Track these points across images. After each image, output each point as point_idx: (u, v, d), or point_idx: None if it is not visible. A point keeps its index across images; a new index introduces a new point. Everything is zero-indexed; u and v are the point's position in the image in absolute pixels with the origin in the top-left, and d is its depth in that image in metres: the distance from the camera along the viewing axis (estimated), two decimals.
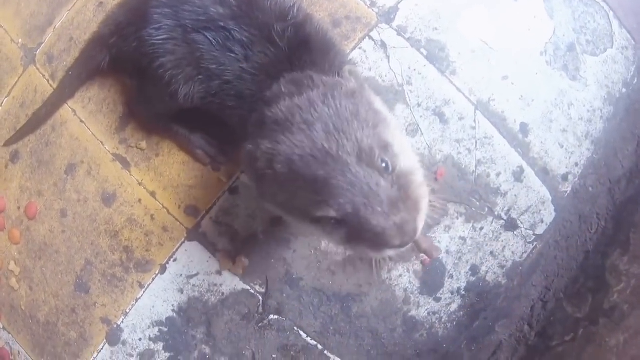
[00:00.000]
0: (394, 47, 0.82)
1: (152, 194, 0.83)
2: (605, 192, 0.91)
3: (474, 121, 0.84)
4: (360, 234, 0.47)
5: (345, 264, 0.80)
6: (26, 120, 0.94)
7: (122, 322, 0.87)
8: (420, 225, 0.48)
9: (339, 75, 0.57)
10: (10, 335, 0.97)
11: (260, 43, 0.63)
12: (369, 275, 0.79)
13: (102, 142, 0.86)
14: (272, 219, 0.78)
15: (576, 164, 0.90)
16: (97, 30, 0.85)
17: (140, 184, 0.83)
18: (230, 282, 0.79)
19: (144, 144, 0.83)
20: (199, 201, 0.79)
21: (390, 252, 0.48)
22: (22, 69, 0.98)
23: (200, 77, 0.66)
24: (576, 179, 0.89)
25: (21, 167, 0.95)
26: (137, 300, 0.85)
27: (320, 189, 0.47)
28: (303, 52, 0.64)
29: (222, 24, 0.64)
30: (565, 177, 0.88)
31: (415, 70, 0.82)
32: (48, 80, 0.94)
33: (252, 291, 0.80)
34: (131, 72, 0.79)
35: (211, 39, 0.65)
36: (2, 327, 0.99)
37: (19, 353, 0.98)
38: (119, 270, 0.85)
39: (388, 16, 0.84)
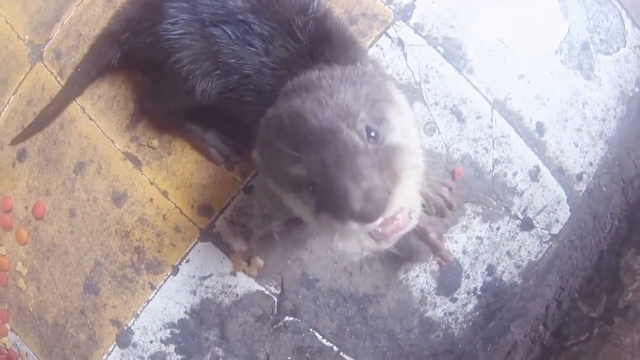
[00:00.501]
0: (411, 45, 0.78)
1: (164, 194, 0.78)
2: (618, 192, 0.87)
3: (491, 120, 0.80)
4: (326, 199, 0.42)
5: (362, 265, 0.76)
6: (33, 118, 0.89)
7: (133, 324, 0.83)
8: (396, 200, 0.41)
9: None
10: (18, 337, 0.93)
11: (281, 37, 0.60)
12: (386, 276, 0.76)
13: (112, 141, 0.82)
14: (288, 219, 0.74)
15: (590, 164, 0.86)
16: (107, 26, 0.80)
17: (152, 183, 0.79)
18: (245, 284, 0.75)
19: (155, 142, 0.79)
20: (213, 201, 0.75)
21: (354, 225, 0.41)
22: (29, 66, 0.93)
23: (217, 72, 0.62)
24: (590, 179, 0.86)
25: (28, 166, 0.90)
26: (148, 302, 0.80)
27: (298, 146, 0.43)
28: (324, 47, 0.60)
29: (241, 17, 0.61)
30: (580, 177, 0.85)
31: (432, 68, 0.78)
32: (56, 77, 0.89)
33: (267, 292, 0.76)
34: (143, 68, 0.75)
35: (230, 32, 0.61)
36: (10, 328, 0.94)
37: (27, 355, 0.93)
38: (129, 271, 0.81)
39: (405, 13, 0.80)
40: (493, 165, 0.80)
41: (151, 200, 0.79)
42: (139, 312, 0.81)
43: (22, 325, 0.93)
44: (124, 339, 0.84)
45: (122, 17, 0.76)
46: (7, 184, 0.93)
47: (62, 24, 0.92)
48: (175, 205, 0.77)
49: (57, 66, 0.90)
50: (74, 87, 0.85)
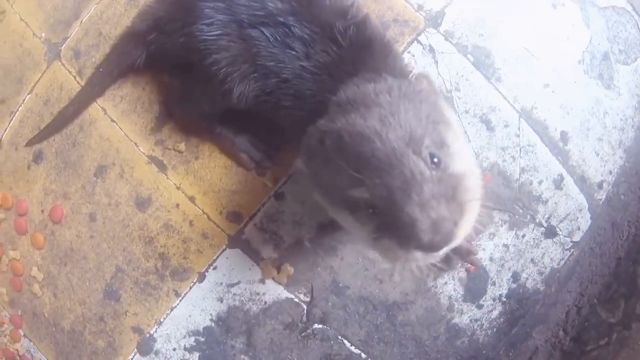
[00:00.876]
0: (442, 53, 0.76)
1: (191, 199, 0.75)
2: (636, 200, 0.87)
3: (518, 129, 0.79)
4: (390, 225, 0.41)
5: (392, 272, 0.74)
6: (51, 119, 0.84)
7: (156, 331, 0.79)
8: (461, 232, 0.41)
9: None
10: (32, 343, 0.88)
11: (322, 41, 0.57)
12: (415, 284, 0.74)
13: (135, 144, 0.78)
14: (319, 226, 0.71)
15: (610, 172, 0.86)
16: (131, 25, 0.76)
17: (178, 188, 0.75)
18: (274, 291, 0.73)
19: (182, 146, 0.75)
20: (243, 207, 0.72)
21: (418, 254, 0.41)
22: (46, 65, 0.88)
23: (255, 74, 0.59)
24: (610, 187, 0.85)
25: (45, 169, 0.85)
26: (172, 309, 0.77)
27: (361, 167, 0.41)
28: (365, 53, 0.58)
29: (281, 19, 0.58)
30: (600, 185, 0.84)
31: (462, 76, 0.77)
32: (75, 77, 0.84)
33: (296, 300, 0.74)
34: (172, 69, 0.71)
35: (269, 35, 0.58)
36: (23, 334, 0.89)
37: None
38: (153, 277, 0.77)
39: (435, 20, 0.78)
40: (520, 174, 0.79)
41: (177, 205, 0.75)
42: (162, 320, 0.78)
43: (37, 332, 0.88)
44: (145, 347, 0.80)
45: (148, 17, 0.72)
46: (22, 187, 0.88)
47: (81, 22, 0.87)
48: (202, 211, 0.74)
49: (76, 65, 0.85)
50: (94, 88, 0.80)
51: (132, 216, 0.77)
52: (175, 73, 0.69)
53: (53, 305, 0.86)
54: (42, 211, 0.86)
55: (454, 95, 0.77)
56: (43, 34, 0.90)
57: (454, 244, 0.41)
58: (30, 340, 0.90)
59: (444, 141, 0.44)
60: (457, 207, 0.41)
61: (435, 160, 0.42)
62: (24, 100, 0.89)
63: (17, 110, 0.90)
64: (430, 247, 0.40)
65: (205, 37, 0.60)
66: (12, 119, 0.90)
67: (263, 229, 0.72)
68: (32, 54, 0.91)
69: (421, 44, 0.77)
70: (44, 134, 0.85)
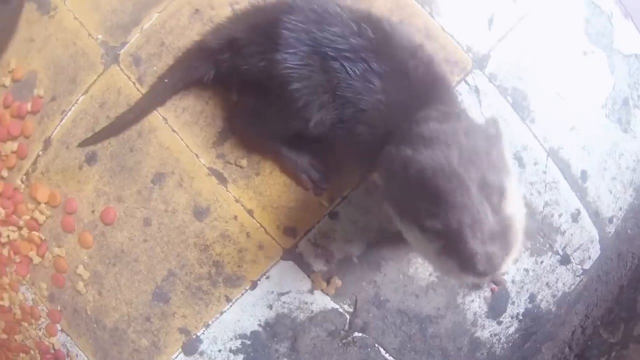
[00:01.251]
0: (486, 93, 0.90)
1: (250, 212, 0.85)
2: None
3: (545, 167, 0.93)
4: (453, 251, 0.55)
5: (427, 289, 0.87)
6: (108, 123, 0.92)
7: (203, 333, 0.90)
8: (505, 265, 0.57)
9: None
10: (69, 338, 0.97)
11: (397, 77, 0.69)
12: (447, 300, 0.87)
13: (196, 155, 0.87)
14: (367, 244, 0.83)
15: (620, 209, 1.03)
16: (201, 41, 0.85)
17: (237, 201, 0.86)
18: (321, 301, 0.85)
19: (244, 162, 0.85)
20: (298, 223, 0.84)
21: (470, 277, 0.57)
22: (103, 68, 0.95)
23: (334, 104, 0.70)
24: (619, 222, 1.02)
25: (98, 170, 0.93)
26: (222, 313, 0.88)
27: (438, 202, 0.55)
28: (432, 89, 0.72)
29: (362, 55, 0.69)
30: (610, 220, 1.01)
31: (501, 116, 0.91)
32: (134, 83, 0.92)
33: (340, 310, 0.86)
34: (241, 88, 0.80)
35: (350, 68, 0.69)
36: (60, 329, 0.97)
37: (77, 356, 0.97)
38: (205, 283, 0.87)
39: (481, 63, 0.91)
40: (543, 207, 0.94)
41: (235, 217, 0.86)
42: (210, 323, 0.88)
43: (76, 327, 0.97)
44: (190, 347, 0.91)
45: (222, 36, 0.81)
46: (72, 186, 0.95)
47: (142, 29, 0.94)
48: (260, 224, 0.85)
49: (135, 72, 0.93)
50: (157, 97, 0.89)
51: (189, 224, 0.87)
52: (246, 93, 0.79)
53: (97, 303, 0.95)
54: (93, 212, 0.94)
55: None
56: (99, 36, 0.97)
57: (499, 273, 0.56)
58: (68, 335, 0.98)
59: (505, 187, 0.58)
60: (507, 246, 0.56)
61: (498, 205, 0.56)
62: (77, 101, 0.97)
63: (70, 109, 0.97)
64: (481, 275, 0.55)
65: (289, 65, 0.70)
66: (63, 118, 0.97)
67: (316, 244, 0.85)
68: (87, 55, 0.98)
69: (468, 84, 0.91)
70: (99, 137, 0.93)
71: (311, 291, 0.86)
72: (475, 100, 0.91)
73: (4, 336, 1.10)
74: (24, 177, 1.02)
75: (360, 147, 0.73)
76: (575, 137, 1.01)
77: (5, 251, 1.05)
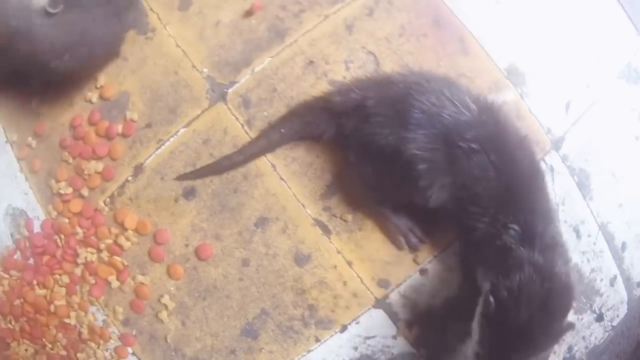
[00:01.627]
0: (558, 173, 1.09)
1: (349, 263, 0.98)
2: None
3: (596, 239, 1.14)
4: None
5: None
6: (211, 160, 1.00)
7: None
8: None
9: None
10: None
11: (507, 166, 0.84)
12: None
13: (303, 205, 0.98)
14: (449, 299, 0.98)
15: None
16: (326, 100, 0.95)
17: (338, 252, 0.98)
18: (402, 346, 1.01)
19: (349, 217, 0.98)
20: (392, 276, 0.99)
21: None
22: (208, 103, 1.02)
23: (453, 185, 0.84)
24: None
25: (196, 206, 1.01)
26: (308, 352, 1.01)
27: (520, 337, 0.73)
28: (534, 184, 0.87)
29: (484, 144, 0.82)
30: (638, 284, 1.24)
31: (568, 194, 1.11)
32: (242, 126, 1.00)
33: (417, 354, 1.01)
34: (360, 153, 0.90)
35: (472, 155, 0.82)
36: (131, 352, 1.04)
37: None
38: (297, 323, 0.99)
39: (557, 144, 1.08)
40: (590, 273, 1.15)
41: (335, 267, 0.99)
42: (295, 359, 0.99)
43: (151, 353, 1.05)
44: None
45: (349, 100, 0.92)
46: (165, 217, 1.02)
47: (253, 71, 1.02)
48: (357, 275, 0.99)
49: (244, 114, 1.01)
50: (269, 144, 0.99)
51: (289, 269, 0.99)
52: (364, 158, 0.90)
53: (179, 332, 1.03)
54: (187, 245, 1.02)
55: (560, 208, 1.09)
56: (205, 70, 1.03)
57: None
58: (138, 358, 1.04)
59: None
60: None
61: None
62: (177, 132, 1.03)
63: (168, 140, 1.03)
64: None
65: (418, 146, 0.82)
66: (159, 147, 1.03)
67: (405, 296, 1.01)
68: (190, 87, 1.04)
69: (545, 163, 1.09)
70: (200, 173, 1.01)
71: (394, 336, 1.03)
72: (550, 178, 1.11)
73: (64, 352, 1.15)
74: (108, 199, 1.08)
75: (466, 223, 0.88)
76: (621, 213, 1.23)
77: (78, 270, 1.10)
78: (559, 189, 1.13)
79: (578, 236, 1.19)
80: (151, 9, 1.12)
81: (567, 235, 1.18)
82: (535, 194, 0.87)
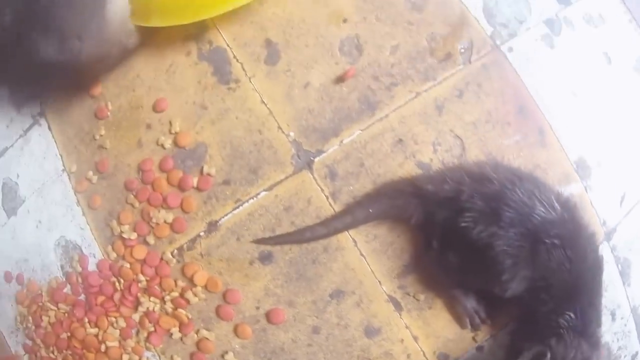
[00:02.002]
0: (607, 262, 1.20)
1: (415, 338, 1.07)
2: None
3: (627, 321, 1.30)
4: None
5: None
6: (291, 228, 1.04)
7: None
8: None
9: None
10: None
11: (579, 261, 0.95)
12: None
13: (380, 282, 1.05)
14: None
15: None
16: (415, 184, 1.01)
17: (407, 327, 1.07)
18: None
19: (421, 297, 1.06)
20: (451, 350, 1.09)
21: None
22: (293, 170, 1.05)
23: (530, 277, 0.94)
24: None
25: (272, 271, 1.06)
26: None
27: None
28: (591, 279, 0.98)
29: (563, 241, 0.92)
30: None
31: (612, 279, 1.23)
32: (327, 197, 1.05)
33: None
34: (444, 239, 0.98)
35: (552, 252, 0.91)
36: None
37: None
38: None
39: (609, 235, 1.22)
40: (617, 350, 1.31)
41: (402, 340, 1.07)
42: None
43: None
44: None
45: (441, 190, 0.97)
46: (237, 278, 1.06)
47: (341, 142, 1.06)
48: (421, 349, 1.08)
49: (329, 186, 1.05)
50: (354, 221, 1.03)
51: (358, 339, 1.07)
52: (449, 246, 0.97)
53: None
54: (257, 308, 1.07)
55: (604, 293, 1.23)
56: (292, 133, 1.06)
57: None
58: None
59: None
60: None
61: None
62: (257, 195, 1.05)
63: (247, 201, 1.06)
64: None
65: (508, 243, 0.91)
66: (238, 207, 1.06)
67: None
68: (274, 149, 1.06)
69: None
70: (280, 240, 1.05)
71: None
72: None
73: None
74: (176, 251, 1.11)
75: (532, 306, 0.98)
76: None
77: (136, 316, 1.13)
78: (605, 273, 1.31)
79: (613, 319, 1.36)
80: (235, 58, 1.12)
81: (604, 318, 1.37)
82: (595, 287, 1.01)
